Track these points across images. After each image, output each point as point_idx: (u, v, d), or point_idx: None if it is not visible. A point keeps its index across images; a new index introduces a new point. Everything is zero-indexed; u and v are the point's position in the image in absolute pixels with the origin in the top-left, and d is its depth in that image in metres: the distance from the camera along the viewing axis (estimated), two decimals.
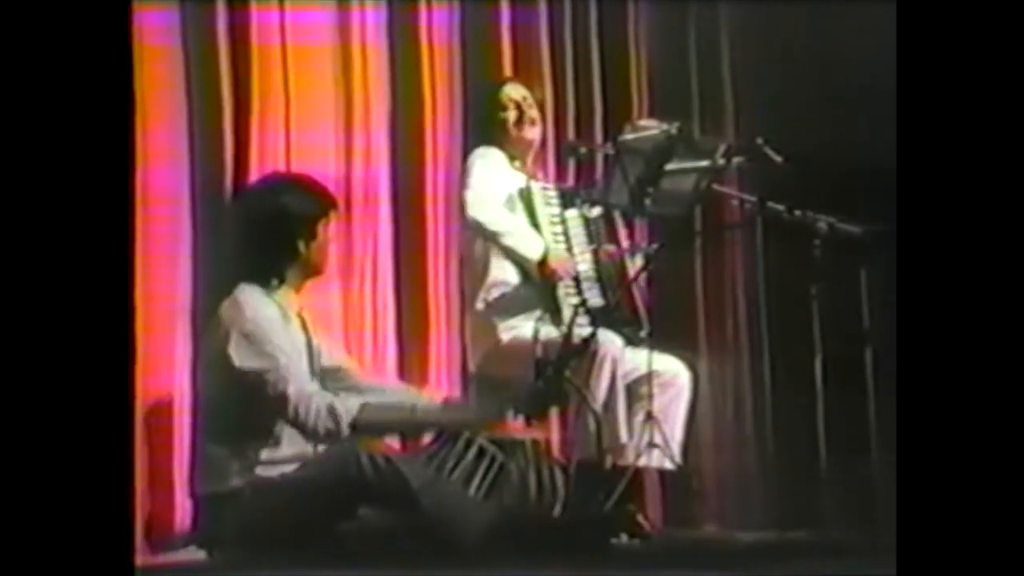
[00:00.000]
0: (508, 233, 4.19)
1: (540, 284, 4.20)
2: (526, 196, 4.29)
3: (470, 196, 4.18)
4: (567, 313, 4.11)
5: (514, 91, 4.42)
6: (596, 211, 4.33)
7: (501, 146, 4.35)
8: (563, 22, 5.28)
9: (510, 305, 4.21)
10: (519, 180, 4.33)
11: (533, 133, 4.39)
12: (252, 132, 4.46)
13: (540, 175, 4.49)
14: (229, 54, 4.44)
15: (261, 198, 3.61)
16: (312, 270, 3.58)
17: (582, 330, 3.97)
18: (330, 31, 4.73)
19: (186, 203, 4.28)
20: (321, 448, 3.44)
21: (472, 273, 4.33)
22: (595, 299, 4.23)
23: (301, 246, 3.51)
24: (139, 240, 3.49)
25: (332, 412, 3.31)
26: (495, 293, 4.23)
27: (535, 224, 4.26)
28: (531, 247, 4.20)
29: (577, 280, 4.23)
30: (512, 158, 4.36)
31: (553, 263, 4.18)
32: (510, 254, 4.20)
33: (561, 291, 4.19)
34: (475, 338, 4.34)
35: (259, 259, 3.50)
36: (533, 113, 4.40)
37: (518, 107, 4.37)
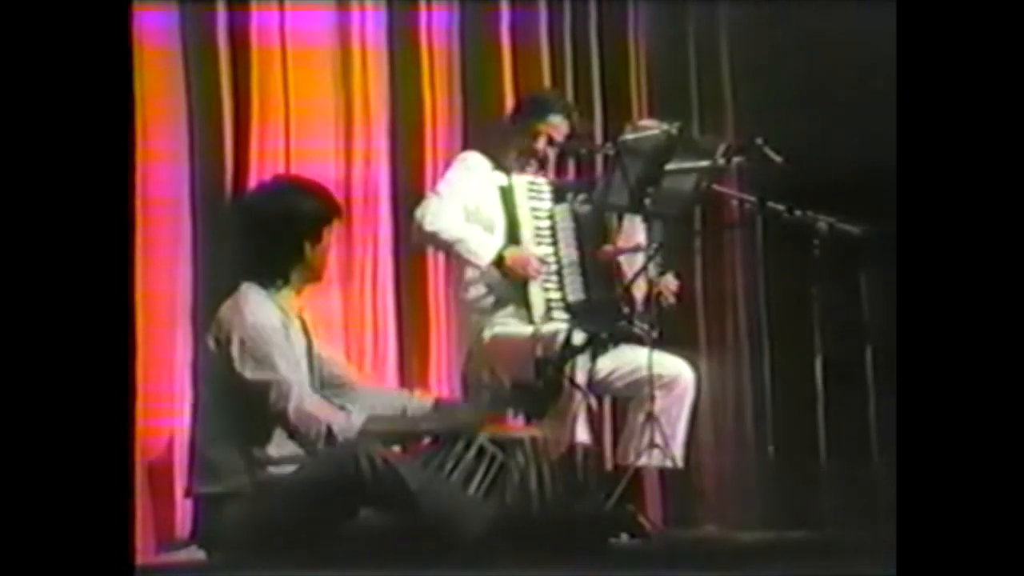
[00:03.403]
0: (459, 241, 4.17)
1: (511, 280, 4.19)
2: (507, 193, 4.26)
3: (419, 214, 4.17)
4: (539, 309, 4.12)
5: (555, 124, 4.33)
6: (586, 207, 4.31)
7: (502, 155, 4.31)
8: (563, 23, 5.28)
9: (485, 301, 4.22)
10: (500, 179, 4.29)
11: (535, 171, 4.33)
12: (252, 133, 4.47)
13: (532, 170, 4.41)
14: (229, 56, 4.45)
15: (270, 199, 3.60)
16: (313, 274, 3.57)
17: (558, 325, 4.00)
18: (330, 33, 4.73)
19: (186, 204, 4.28)
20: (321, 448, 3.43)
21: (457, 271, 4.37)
22: (576, 294, 4.22)
23: (307, 248, 3.50)
24: (139, 241, 3.50)
25: (330, 433, 3.32)
26: (472, 292, 4.24)
27: (515, 221, 4.24)
28: (480, 253, 4.17)
29: (560, 274, 4.23)
30: (498, 163, 4.32)
31: (509, 260, 4.17)
32: (463, 262, 4.22)
33: (535, 287, 4.19)
34: (460, 336, 4.40)
35: (265, 260, 3.49)
36: (551, 154, 4.35)
37: (545, 141, 4.31)
